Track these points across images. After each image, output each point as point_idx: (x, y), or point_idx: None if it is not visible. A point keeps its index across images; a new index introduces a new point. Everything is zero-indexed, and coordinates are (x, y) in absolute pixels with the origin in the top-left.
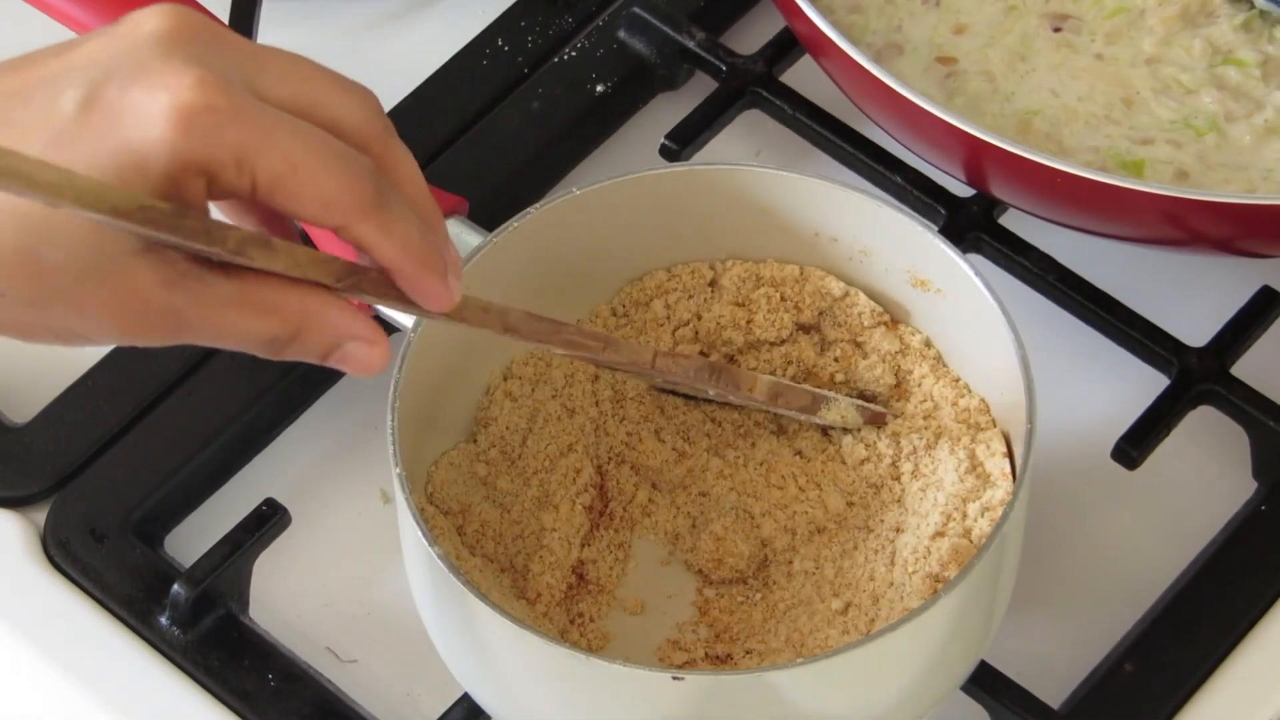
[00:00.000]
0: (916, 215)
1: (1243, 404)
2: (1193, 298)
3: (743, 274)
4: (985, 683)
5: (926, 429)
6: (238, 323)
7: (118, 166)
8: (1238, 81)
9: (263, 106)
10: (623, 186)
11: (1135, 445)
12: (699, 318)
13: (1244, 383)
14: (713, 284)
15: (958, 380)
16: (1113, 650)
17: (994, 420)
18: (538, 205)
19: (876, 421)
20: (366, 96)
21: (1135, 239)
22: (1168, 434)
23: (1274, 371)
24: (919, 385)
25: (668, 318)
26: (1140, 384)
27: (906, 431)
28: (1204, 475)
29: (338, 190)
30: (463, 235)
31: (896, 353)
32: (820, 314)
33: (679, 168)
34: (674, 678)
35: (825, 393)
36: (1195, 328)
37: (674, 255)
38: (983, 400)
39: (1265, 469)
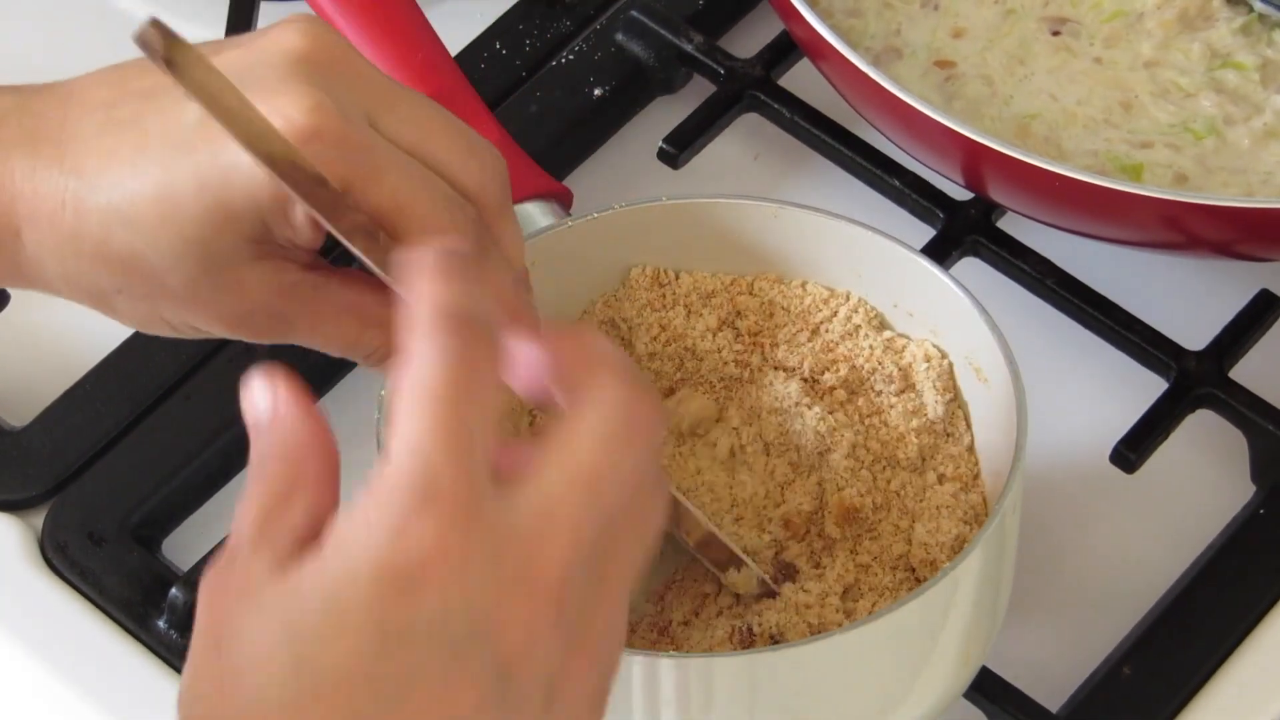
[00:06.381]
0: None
1: (1241, 408)
2: (1191, 301)
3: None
4: (983, 687)
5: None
6: (347, 331)
7: (223, 183)
8: (1236, 85)
9: (376, 140)
10: (705, 208)
11: (1133, 449)
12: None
13: (1242, 386)
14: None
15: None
16: (1111, 654)
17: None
18: (629, 203)
19: (766, 593)
20: (488, 161)
21: (1134, 242)
22: (1166, 438)
23: (1273, 375)
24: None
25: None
26: (1138, 388)
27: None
28: (1202, 479)
29: (438, 232)
30: (535, 216)
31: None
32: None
33: (768, 202)
34: (657, 659)
35: (743, 556)
36: (1194, 331)
37: (752, 270)
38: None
39: (1264, 472)
